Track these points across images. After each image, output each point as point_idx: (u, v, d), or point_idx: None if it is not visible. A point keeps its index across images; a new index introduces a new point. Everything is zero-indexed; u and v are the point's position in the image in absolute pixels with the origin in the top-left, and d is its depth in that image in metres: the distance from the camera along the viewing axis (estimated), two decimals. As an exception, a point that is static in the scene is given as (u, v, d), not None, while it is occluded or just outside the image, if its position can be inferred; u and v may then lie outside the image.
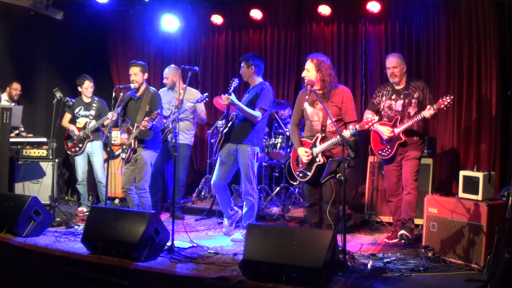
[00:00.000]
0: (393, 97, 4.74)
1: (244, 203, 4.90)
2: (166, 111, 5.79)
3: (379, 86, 5.00)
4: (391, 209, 4.92)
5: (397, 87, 4.77)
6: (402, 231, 4.57)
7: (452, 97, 4.35)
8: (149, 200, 5.14)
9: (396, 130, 4.60)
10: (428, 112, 4.39)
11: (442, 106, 4.34)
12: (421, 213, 4.58)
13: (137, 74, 5.07)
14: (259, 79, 4.92)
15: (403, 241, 4.56)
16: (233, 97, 4.56)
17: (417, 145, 4.67)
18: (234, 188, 5.97)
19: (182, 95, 5.44)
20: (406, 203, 4.64)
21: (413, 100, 4.64)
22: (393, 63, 4.72)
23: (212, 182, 5.00)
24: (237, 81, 4.78)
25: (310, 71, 4.31)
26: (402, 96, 4.69)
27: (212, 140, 6.53)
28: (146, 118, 4.82)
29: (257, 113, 4.66)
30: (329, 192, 4.24)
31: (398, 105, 4.69)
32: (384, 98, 4.80)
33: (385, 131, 4.66)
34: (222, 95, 4.60)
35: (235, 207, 5.14)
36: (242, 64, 4.88)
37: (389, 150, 4.69)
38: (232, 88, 4.67)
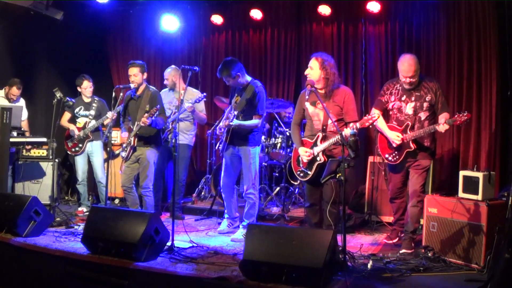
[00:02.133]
0: (403, 98, 4.47)
1: (246, 202, 4.93)
2: (167, 111, 5.79)
3: (387, 83, 4.72)
4: (393, 208, 4.87)
5: (408, 87, 4.47)
6: (404, 250, 4.37)
7: (470, 114, 4.10)
8: (152, 200, 5.16)
9: (406, 137, 4.39)
10: (442, 127, 4.16)
11: (458, 123, 4.11)
12: (421, 213, 4.57)
13: (137, 75, 5.08)
14: (247, 77, 4.95)
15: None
16: (235, 122, 4.72)
17: (427, 153, 4.45)
18: (236, 189, 5.97)
19: (182, 95, 5.44)
20: (412, 215, 4.45)
21: (425, 104, 4.37)
22: (410, 71, 4.33)
23: (221, 183, 5.09)
24: (235, 113, 4.80)
25: (314, 69, 4.30)
26: (413, 98, 4.42)
27: (213, 141, 6.55)
28: (146, 115, 4.84)
29: (256, 121, 4.81)
30: (330, 192, 4.24)
31: (408, 108, 4.44)
32: (393, 98, 4.56)
33: (395, 138, 4.42)
34: (224, 120, 4.76)
35: (236, 213, 5.22)
36: (225, 79, 4.87)
37: (397, 157, 4.49)
38: (232, 117, 4.76)
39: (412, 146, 4.40)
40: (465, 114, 4.08)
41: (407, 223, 4.53)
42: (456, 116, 4.12)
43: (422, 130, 4.34)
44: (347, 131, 3.93)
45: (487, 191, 4.02)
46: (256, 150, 4.91)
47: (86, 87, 6.16)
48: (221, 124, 4.91)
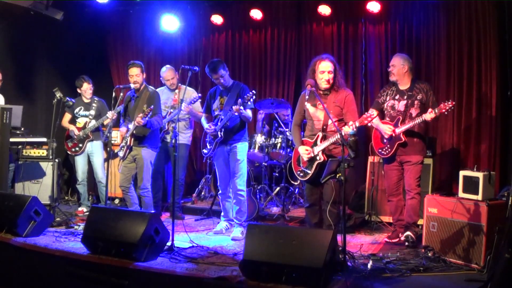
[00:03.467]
0: (397, 97, 4.74)
1: (234, 201, 5.00)
2: (162, 111, 5.77)
3: (385, 86, 5.00)
4: (391, 209, 4.92)
5: (401, 88, 4.76)
6: (408, 233, 4.55)
7: (453, 102, 4.34)
8: (151, 200, 5.16)
9: (397, 130, 4.60)
10: (429, 116, 4.40)
11: (443, 110, 4.33)
12: (421, 213, 4.58)
13: (139, 75, 5.10)
14: (230, 79, 5.09)
15: (407, 243, 4.53)
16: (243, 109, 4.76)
17: (418, 148, 4.63)
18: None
19: (178, 94, 5.43)
20: (410, 208, 4.62)
21: (416, 102, 4.63)
22: (392, 61, 4.80)
23: (220, 188, 5.13)
24: (254, 94, 4.80)
25: (333, 73, 4.33)
26: (405, 97, 4.69)
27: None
28: (140, 115, 4.84)
29: (249, 113, 4.93)
30: (330, 192, 4.25)
31: (400, 105, 4.69)
32: (388, 98, 4.81)
33: (387, 130, 4.67)
34: (233, 106, 4.75)
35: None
36: (214, 76, 4.92)
37: (389, 149, 4.69)
38: (248, 102, 4.76)
39: (403, 138, 4.60)
40: (449, 102, 4.32)
41: (406, 216, 4.63)
42: (441, 104, 4.34)
43: (412, 122, 4.54)
44: (346, 129, 3.95)
45: (487, 191, 4.02)
46: (246, 146, 5.09)
47: (86, 89, 6.15)
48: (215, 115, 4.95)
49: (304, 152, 4.35)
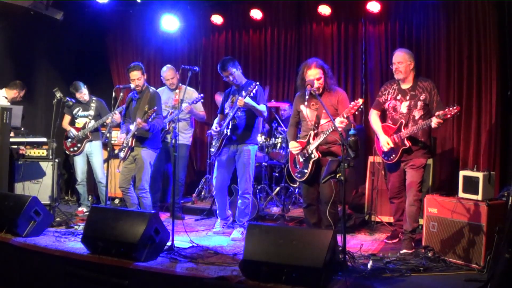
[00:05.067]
0: (399, 97, 4.52)
1: (240, 201, 4.96)
2: (163, 112, 5.77)
3: (385, 84, 4.77)
4: (392, 209, 4.90)
5: (403, 87, 4.51)
6: (404, 250, 4.35)
7: (459, 107, 4.06)
8: (149, 200, 5.15)
9: (402, 136, 4.40)
10: (434, 123, 4.13)
11: (449, 116, 4.07)
12: (421, 213, 4.57)
13: (140, 78, 5.10)
14: (243, 78, 5.01)
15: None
16: (247, 99, 4.64)
17: (422, 152, 4.44)
18: (235, 188, 5.96)
19: (178, 94, 5.42)
20: (409, 215, 4.44)
21: (419, 103, 4.39)
22: (398, 58, 4.46)
23: (216, 187, 5.08)
24: (257, 85, 4.76)
25: (322, 78, 4.32)
26: (408, 97, 4.45)
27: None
28: (143, 119, 4.84)
29: (263, 107, 4.82)
30: (328, 192, 4.25)
31: (403, 107, 4.47)
32: (389, 97, 4.59)
33: (384, 145, 4.48)
34: (238, 97, 4.70)
35: (228, 211, 5.25)
36: (226, 75, 4.85)
37: (393, 155, 4.51)
38: (251, 93, 4.67)
39: (407, 143, 4.40)
40: (454, 107, 4.06)
41: (405, 222, 4.52)
42: (446, 109, 4.09)
43: (415, 127, 4.33)
44: (338, 120, 3.96)
45: (487, 191, 4.02)
46: (255, 149, 4.99)
47: (81, 96, 6.13)
48: (227, 107, 4.88)
49: (293, 147, 4.39)
